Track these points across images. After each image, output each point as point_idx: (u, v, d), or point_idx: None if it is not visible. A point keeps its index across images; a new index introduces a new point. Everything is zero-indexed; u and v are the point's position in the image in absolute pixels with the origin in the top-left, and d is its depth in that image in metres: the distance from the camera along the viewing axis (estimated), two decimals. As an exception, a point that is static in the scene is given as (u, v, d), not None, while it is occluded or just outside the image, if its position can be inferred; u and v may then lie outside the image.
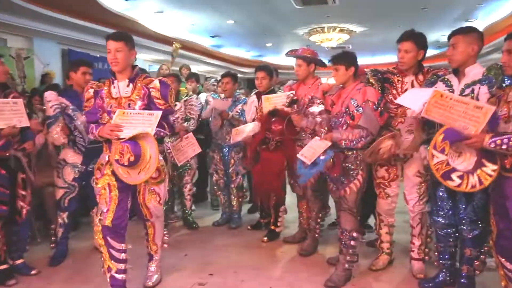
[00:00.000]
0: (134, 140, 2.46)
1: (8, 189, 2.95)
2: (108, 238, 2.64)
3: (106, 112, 2.66)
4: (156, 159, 2.45)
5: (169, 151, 4.00)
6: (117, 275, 2.64)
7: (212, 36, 11.66)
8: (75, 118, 3.30)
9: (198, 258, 3.50)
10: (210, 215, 4.83)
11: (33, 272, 3.17)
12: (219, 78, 5.25)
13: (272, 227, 3.94)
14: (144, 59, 11.29)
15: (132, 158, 2.43)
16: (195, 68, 10.46)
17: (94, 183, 2.79)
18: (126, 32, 2.58)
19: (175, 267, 3.31)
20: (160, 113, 2.52)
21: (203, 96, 5.02)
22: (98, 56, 9.16)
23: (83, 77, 3.37)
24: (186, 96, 4.24)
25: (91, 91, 2.73)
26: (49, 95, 3.33)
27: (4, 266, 3.04)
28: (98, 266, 2.86)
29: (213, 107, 4.20)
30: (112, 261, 2.64)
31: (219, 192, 4.44)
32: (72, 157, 3.38)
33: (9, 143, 2.93)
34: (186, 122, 4.12)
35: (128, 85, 2.65)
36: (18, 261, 3.17)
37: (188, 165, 4.20)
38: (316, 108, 3.44)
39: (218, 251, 3.69)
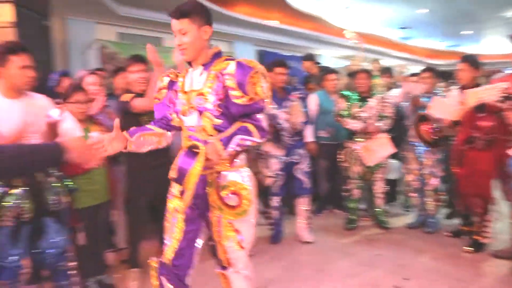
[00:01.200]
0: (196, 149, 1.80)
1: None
2: (163, 279, 1.98)
3: (175, 112, 2.02)
4: (194, 178, 1.76)
5: (359, 151, 3.96)
6: None
7: (402, 28, 11.10)
8: (277, 117, 3.54)
9: (392, 260, 3.38)
10: (401, 215, 4.62)
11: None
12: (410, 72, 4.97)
13: (477, 237, 3.51)
14: (333, 55, 11.46)
15: (174, 174, 1.86)
16: (382, 62, 10.14)
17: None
18: (192, 1, 1.88)
19: (367, 264, 3.28)
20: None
21: (395, 92, 4.81)
22: (289, 55, 9.72)
23: (277, 77, 3.60)
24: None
25: (166, 79, 2.09)
26: None
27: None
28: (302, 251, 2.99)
29: (406, 92, 4.05)
30: None
31: (412, 193, 4.19)
32: (274, 150, 3.69)
33: None
34: (380, 120, 3.99)
35: (201, 74, 1.92)
36: None
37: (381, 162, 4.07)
38: None
39: (413, 255, 3.48)
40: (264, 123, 1.89)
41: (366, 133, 3.96)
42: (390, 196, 4.91)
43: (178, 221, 1.97)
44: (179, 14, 1.82)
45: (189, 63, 1.96)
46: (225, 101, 1.84)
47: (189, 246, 1.98)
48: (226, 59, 1.89)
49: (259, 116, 1.87)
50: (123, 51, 6.92)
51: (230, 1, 7.82)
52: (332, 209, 4.73)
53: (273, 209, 3.78)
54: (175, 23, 1.84)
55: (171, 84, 2.05)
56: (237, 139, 1.81)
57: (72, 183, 2.56)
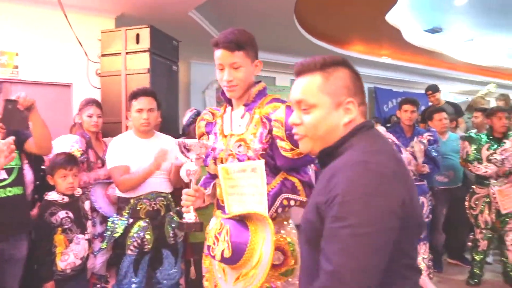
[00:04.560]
0: (242, 220, 1.46)
1: None
2: None
3: (213, 158, 1.68)
4: (269, 261, 1.34)
5: (494, 196, 3.54)
6: None
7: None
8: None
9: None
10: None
11: None
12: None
13: None
14: (451, 91, 10.76)
15: (227, 253, 1.40)
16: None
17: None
18: (244, 31, 1.58)
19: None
20: (261, 163, 1.44)
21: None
22: (401, 91, 9.39)
23: (404, 114, 3.49)
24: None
25: (202, 124, 1.79)
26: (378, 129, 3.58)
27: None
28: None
29: None
30: None
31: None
32: None
33: None
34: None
35: (243, 116, 1.62)
36: None
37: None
38: None
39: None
40: (312, 178, 1.58)
41: (500, 177, 3.54)
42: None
43: None
44: (234, 45, 1.52)
45: (228, 100, 1.68)
46: (269, 150, 1.53)
47: None
48: (273, 100, 1.59)
49: (308, 169, 1.57)
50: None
51: (345, 40, 7.87)
52: (449, 259, 4.30)
53: None
54: (226, 56, 1.54)
55: (209, 126, 1.77)
56: (281, 198, 1.51)
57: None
